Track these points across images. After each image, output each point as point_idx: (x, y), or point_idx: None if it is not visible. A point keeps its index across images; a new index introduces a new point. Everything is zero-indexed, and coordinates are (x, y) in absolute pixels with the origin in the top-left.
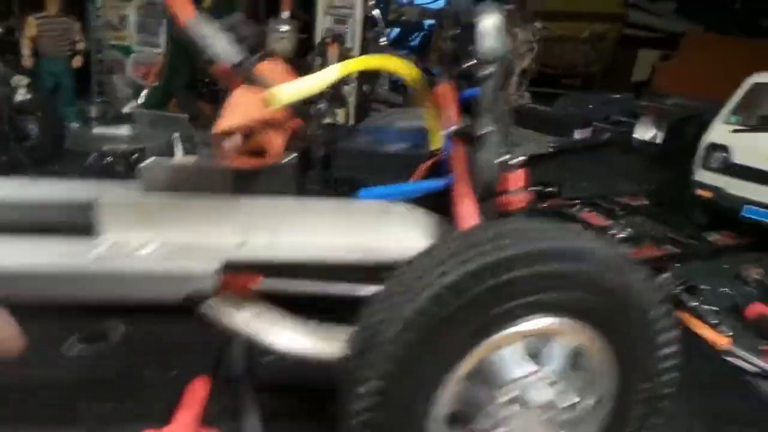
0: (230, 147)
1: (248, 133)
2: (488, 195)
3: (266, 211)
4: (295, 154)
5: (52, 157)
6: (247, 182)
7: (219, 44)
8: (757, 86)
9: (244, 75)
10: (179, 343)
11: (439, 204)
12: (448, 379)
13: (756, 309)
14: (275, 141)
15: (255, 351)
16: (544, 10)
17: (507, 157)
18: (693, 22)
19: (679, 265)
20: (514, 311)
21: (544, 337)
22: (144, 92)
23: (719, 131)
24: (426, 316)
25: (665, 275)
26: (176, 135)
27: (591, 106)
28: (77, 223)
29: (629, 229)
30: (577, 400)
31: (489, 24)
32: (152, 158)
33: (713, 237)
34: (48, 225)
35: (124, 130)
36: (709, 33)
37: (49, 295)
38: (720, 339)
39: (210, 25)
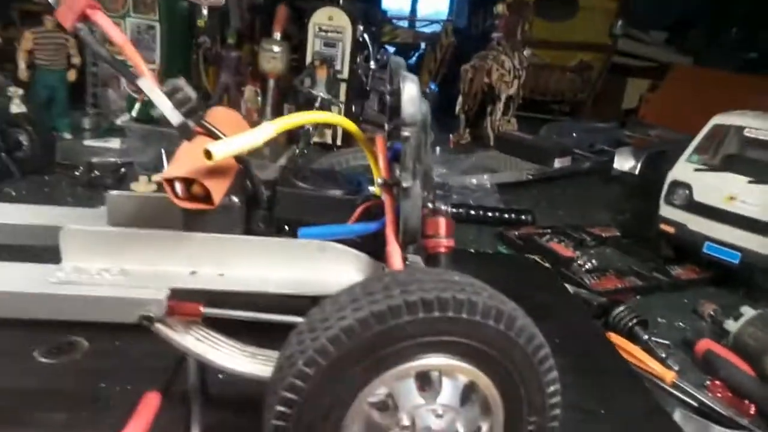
0: (175, 192)
1: (191, 180)
2: (412, 240)
3: (214, 247)
4: (241, 197)
5: (42, 168)
6: (200, 220)
7: (162, 106)
8: (718, 127)
9: (183, 136)
10: (138, 358)
11: (375, 245)
12: (352, 407)
13: (704, 345)
14: (216, 188)
15: (208, 369)
16: (533, 38)
17: (432, 206)
18: (682, 53)
19: (639, 297)
20: (404, 352)
21: (436, 374)
22: (137, 106)
23: (683, 169)
24: (325, 354)
25: (620, 308)
26: (163, 150)
27: (575, 134)
28: (42, 247)
29: (594, 261)
30: (466, 431)
31: (409, 92)
32: (115, 192)
33: (677, 271)
34: (14, 248)
35: (114, 143)
36: (696, 65)
37: (12, 315)
38: (666, 373)
39: (157, 87)
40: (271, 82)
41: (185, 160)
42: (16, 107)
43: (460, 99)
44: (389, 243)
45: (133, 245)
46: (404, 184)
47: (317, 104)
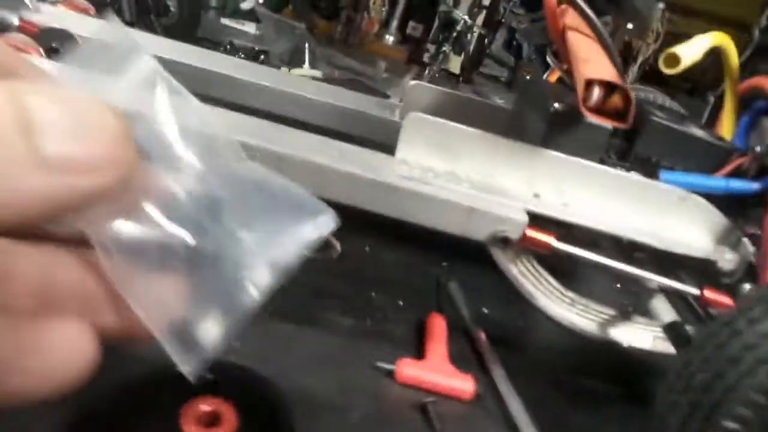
0: (593, 98)
1: (610, 90)
2: None
3: (568, 171)
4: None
5: (185, 38)
6: (557, 135)
7: None
8: None
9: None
10: (392, 271)
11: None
12: None
13: None
14: (628, 106)
15: (475, 300)
16: (675, 1)
17: None
18: None
19: None
20: None
21: None
22: None
23: None
24: None
25: None
26: (307, 46)
27: None
28: (377, 137)
29: None
30: None
31: None
32: (415, 82)
33: None
34: (350, 134)
35: (250, 27)
36: None
37: (349, 200)
38: None
39: None
40: None
41: (607, 65)
42: None
43: None
44: None
45: (472, 146)
46: None
47: (458, 27)
